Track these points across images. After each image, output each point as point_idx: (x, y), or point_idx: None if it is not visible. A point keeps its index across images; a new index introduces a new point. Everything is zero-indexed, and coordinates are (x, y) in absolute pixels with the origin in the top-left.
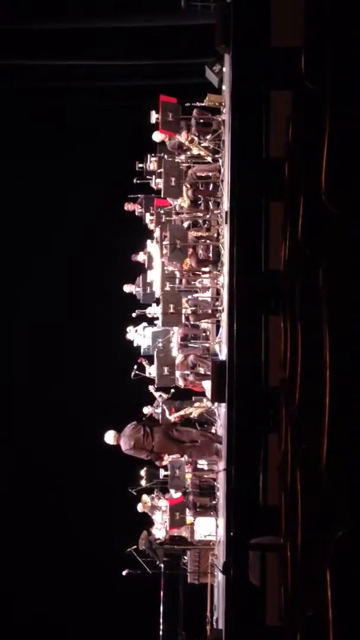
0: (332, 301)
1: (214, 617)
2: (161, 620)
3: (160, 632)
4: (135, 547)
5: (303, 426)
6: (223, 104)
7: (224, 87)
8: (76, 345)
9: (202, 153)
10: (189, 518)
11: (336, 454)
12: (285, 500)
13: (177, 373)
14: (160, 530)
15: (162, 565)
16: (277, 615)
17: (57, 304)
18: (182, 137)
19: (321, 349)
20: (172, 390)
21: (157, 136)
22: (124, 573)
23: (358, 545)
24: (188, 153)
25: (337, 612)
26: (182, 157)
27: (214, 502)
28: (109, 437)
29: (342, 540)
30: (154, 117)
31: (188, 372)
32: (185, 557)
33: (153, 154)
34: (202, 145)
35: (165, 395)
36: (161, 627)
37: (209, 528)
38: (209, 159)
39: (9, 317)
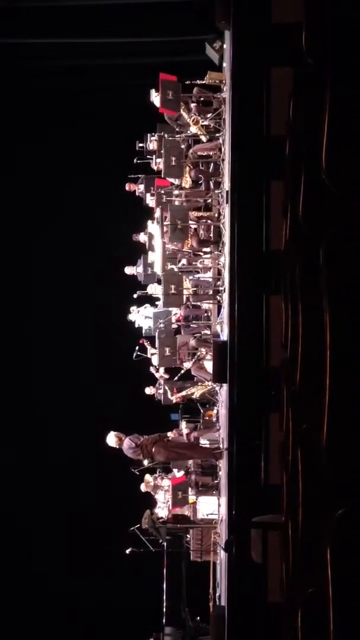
0: (332, 281)
1: (217, 594)
2: (164, 598)
3: (164, 609)
4: (138, 526)
5: (304, 406)
6: (224, 81)
7: (224, 65)
8: (78, 328)
9: (201, 133)
10: (192, 497)
11: (336, 433)
12: (286, 478)
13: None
14: (162, 509)
15: (164, 544)
16: (278, 592)
17: (57, 288)
18: (184, 115)
19: (322, 328)
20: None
21: (157, 105)
22: (127, 552)
23: (358, 524)
24: (188, 130)
25: (337, 589)
26: (182, 135)
27: (216, 481)
28: (110, 439)
29: (342, 519)
30: (153, 95)
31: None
32: (188, 536)
33: (153, 134)
34: (202, 124)
35: (166, 376)
36: (165, 604)
37: (211, 507)
38: (204, 138)
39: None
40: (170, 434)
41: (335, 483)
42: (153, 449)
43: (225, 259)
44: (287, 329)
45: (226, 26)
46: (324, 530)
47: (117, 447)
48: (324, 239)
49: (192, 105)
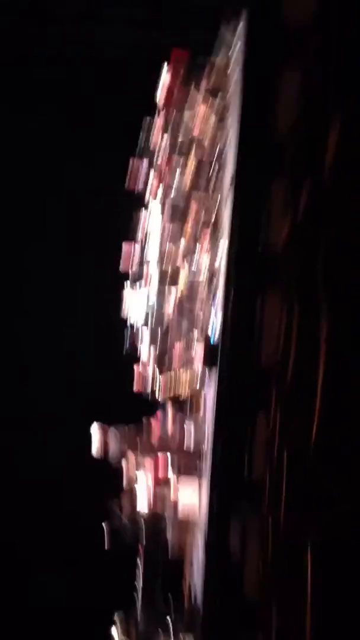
0: (330, 281)
1: (193, 588)
2: (140, 587)
3: (138, 596)
4: (120, 515)
5: (293, 405)
6: (235, 67)
7: (236, 49)
8: (72, 316)
9: (208, 115)
10: (172, 484)
11: (325, 435)
12: (270, 475)
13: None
14: (143, 491)
15: (143, 538)
16: (254, 588)
17: (53, 272)
18: (193, 95)
19: (317, 328)
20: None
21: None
22: (103, 525)
23: (339, 526)
24: (196, 112)
25: (315, 589)
26: (188, 114)
27: (194, 471)
28: (94, 430)
29: (324, 519)
30: (165, 70)
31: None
32: (167, 530)
33: (159, 110)
34: (210, 104)
35: (154, 364)
36: (139, 591)
37: (192, 497)
38: (213, 120)
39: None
40: (154, 421)
41: (321, 482)
42: (137, 440)
43: (222, 252)
44: (280, 327)
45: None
46: (304, 528)
47: (101, 438)
48: (323, 237)
49: (201, 85)
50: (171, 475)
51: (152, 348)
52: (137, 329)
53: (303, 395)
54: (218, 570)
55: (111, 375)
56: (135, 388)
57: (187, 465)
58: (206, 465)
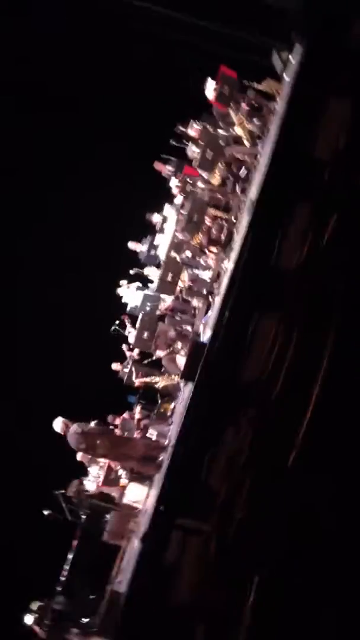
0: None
1: (117, 579)
2: (66, 568)
3: (62, 578)
4: (63, 491)
5: (272, 429)
6: (279, 93)
7: (285, 77)
8: (65, 290)
9: (244, 136)
10: (123, 480)
11: (306, 465)
12: (227, 492)
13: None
14: (92, 483)
15: (83, 517)
16: (186, 595)
17: (58, 246)
18: (233, 114)
19: (319, 355)
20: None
21: (209, 96)
22: (45, 512)
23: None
24: (231, 130)
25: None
26: (223, 132)
27: (152, 473)
28: (57, 424)
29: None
30: (210, 85)
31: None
32: (108, 516)
33: (197, 121)
34: (247, 127)
35: (136, 356)
36: (63, 573)
37: (139, 496)
38: (245, 142)
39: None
40: (120, 418)
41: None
42: (98, 441)
43: (228, 264)
44: (272, 349)
45: (299, 40)
46: (249, 552)
47: (62, 433)
48: (345, 272)
49: (243, 106)
50: (123, 479)
51: (139, 333)
52: (132, 310)
53: (287, 420)
54: (149, 571)
55: (91, 351)
56: (114, 366)
57: (141, 473)
58: (161, 474)
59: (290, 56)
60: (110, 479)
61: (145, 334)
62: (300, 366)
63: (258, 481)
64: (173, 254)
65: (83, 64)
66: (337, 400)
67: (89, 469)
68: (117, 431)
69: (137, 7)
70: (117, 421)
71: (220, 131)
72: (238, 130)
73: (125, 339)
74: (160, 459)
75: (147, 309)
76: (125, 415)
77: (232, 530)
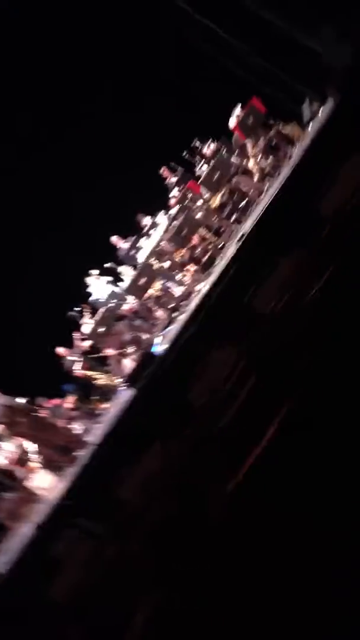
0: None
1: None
2: None
3: None
4: None
5: (205, 462)
6: (300, 141)
7: (309, 128)
8: (35, 260)
9: (254, 170)
10: (34, 464)
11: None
12: (135, 509)
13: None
14: (0, 456)
15: None
16: (65, 595)
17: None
18: (249, 145)
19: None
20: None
21: (232, 122)
22: None
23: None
24: (244, 161)
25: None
26: (238, 160)
27: (65, 465)
28: None
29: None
30: (237, 112)
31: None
32: (7, 494)
33: (215, 141)
34: (260, 163)
35: (86, 348)
36: None
37: (46, 483)
38: (257, 178)
39: None
40: (50, 403)
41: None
42: (21, 419)
43: (202, 288)
44: (226, 381)
45: (335, 95)
46: (147, 575)
47: None
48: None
49: (261, 141)
50: (34, 463)
51: (95, 326)
52: (94, 302)
53: (224, 456)
54: (32, 562)
55: (41, 329)
56: (60, 350)
57: (54, 462)
58: (74, 469)
59: (321, 109)
60: (21, 458)
61: (102, 330)
62: (254, 406)
63: (169, 508)
64: (153, 260)
65: (124, 62)
66: (286, 454)
67: (1, 442)
68: (44, 415)
69: (198, 22)
70: (48, 405)
71: (233, 159)
72: (250, 163)
73: (79, 327)
74: (78, 453)
75: (111, 305)
76: (57, 401)
77: (130, 547)
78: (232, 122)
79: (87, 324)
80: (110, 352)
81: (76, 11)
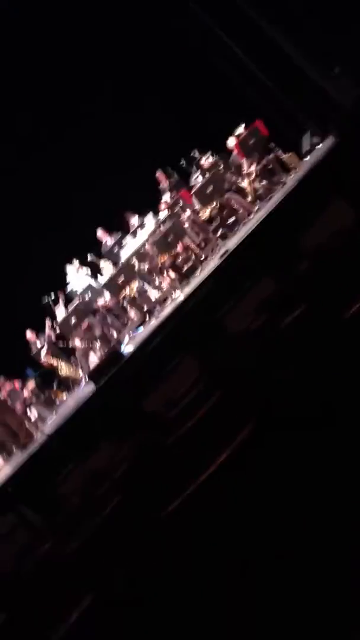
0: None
1: None
2: None
3: None
4: None
5: (157, 470)
6: (296, 170)
7: (307, 159)
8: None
9: (248, 189)
10: None
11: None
12: (75, 507)
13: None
14: None
15: None
16: None
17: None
18: (246, 165)
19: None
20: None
21: (231, 142)
22: None
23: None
24: (239, 179)
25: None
26: (233, 178)
27: (14, 450)
28: None
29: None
30: (240, 129)
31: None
32: None
33: (214, 154)
34: (254, 184)
35: (54, 336)
36: None
37: None
38: (249, 198)
39: None
40: (9, 384)
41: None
42: None
43: (178, 296)
44: (189, 392)
45: (335, 134)
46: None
47: None
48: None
49: (259, 164)
50: None
51: (67, 317)
52: (70, 292)
53: (175, 467)
54: None
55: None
56: (28, 334)
57: (4, 445)
58: (23, 456)
59: (320, 144)
60: None
61: (73, 320)
62: (214, 423)
63: (110, 511)
64: (134, 260)
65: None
66: (238, 478)
67: None
68: (3, 395)
69: (219, 37)
70: (6, 387)
71: (229, 175)
72: (244, 182)
73: (51, 314)
74: (28, 441)
75: (86, 298)
76: (17, 384)
77: (65, 544)
78: (233, 140)
79: (60, 313)
80: (77, 344)
81: (76, 11)
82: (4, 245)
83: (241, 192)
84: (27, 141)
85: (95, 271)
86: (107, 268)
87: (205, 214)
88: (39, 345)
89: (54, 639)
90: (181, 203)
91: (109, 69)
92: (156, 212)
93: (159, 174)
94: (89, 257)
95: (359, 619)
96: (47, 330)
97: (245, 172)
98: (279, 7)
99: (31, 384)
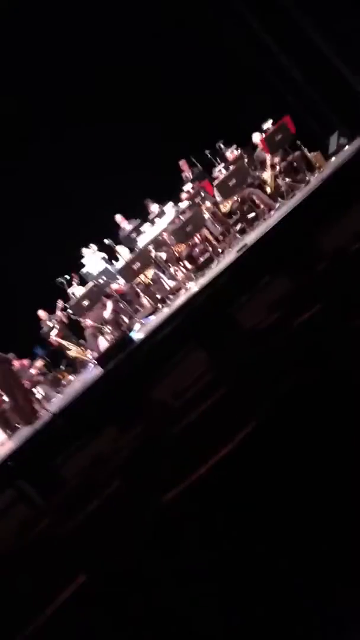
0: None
1: None
2: None
3: None
4: None
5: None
6: (322, 169)
7: (333, 159)
8: (38, 223)
9: (268, 182)
10: None
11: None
12: (77, 489)
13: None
14: None
15: None
16: None
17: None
18: (269, 158)
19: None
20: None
21: (256, 137)
22: None
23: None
24: (262, 174)
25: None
26: (257, 173)
27: (19, 425)
28: None
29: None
30: (267, 124)
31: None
32: None
33: (239, 148)
34: (277, 179)
35: (64, 317)
36: None
37: None
38: (269, 190)
39: None
40: (18, 362)
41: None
42: None
43: (192, 287)
44: (194, 384)
45: None
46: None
47: None
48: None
49: (283, 161)
50: None
51: (80, 299)
52: (85, 274)
53: (175, 458)
54: None
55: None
56: (40, 313)
57: (8, 420)
58: (27, 432)
59: (347, 145)
60: None
61: (86, 303)
62: (217, 417)
63: (110, 496)
64: (151, 248)
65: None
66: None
67: None
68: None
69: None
70: (16, 364)
71: (253, 169)
72: (268, 178)
73: (64, 295)
74: (33, 418)
75: (100, 281)
76: (25, 362)
77: (63, 524)
78: (258, 135)
79: (73, 294)
80: (88, 324)
81: (77, 11)
82: (23, 225)
83: (263, 187)
84: (57, 123)
85: (111, 256)
86: (123, 253)
87: (226, 207)
88: (50, 325)
89: (47, 612)
90: (203, 194)
91: (149, 55)
92: (176, 202)
93: (183, 163)
94: (106, 242)
95: (359, 619)
96: (59, 310)
97: (269, 167)
98: (317, 5)
99: (39, 363)
